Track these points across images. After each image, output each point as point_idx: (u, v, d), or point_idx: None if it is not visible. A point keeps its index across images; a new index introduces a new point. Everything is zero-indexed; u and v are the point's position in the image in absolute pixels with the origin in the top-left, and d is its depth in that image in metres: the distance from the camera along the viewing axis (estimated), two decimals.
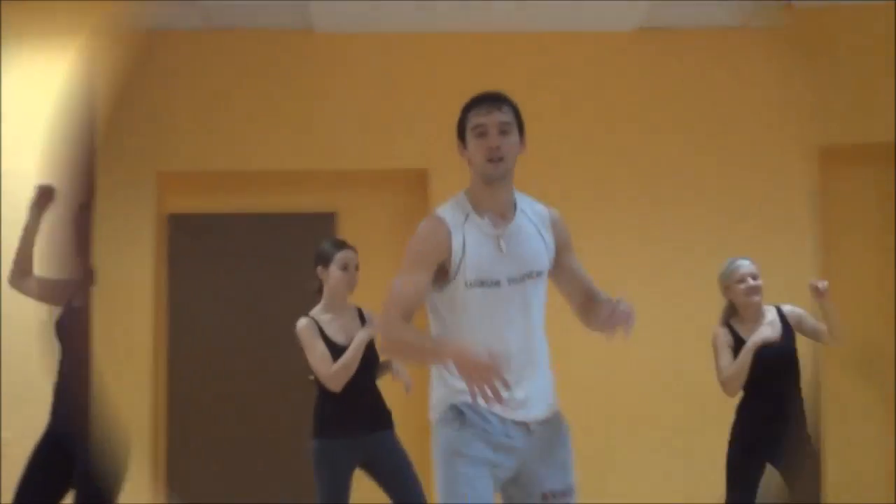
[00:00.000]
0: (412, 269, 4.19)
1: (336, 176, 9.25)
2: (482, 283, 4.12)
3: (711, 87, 9.12)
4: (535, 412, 4.16)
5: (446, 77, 8.96)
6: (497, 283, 4.13)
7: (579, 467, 4.27)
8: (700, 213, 8.94)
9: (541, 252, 4.24)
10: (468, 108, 4.28)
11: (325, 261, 6.56)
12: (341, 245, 6.64)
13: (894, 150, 8.98)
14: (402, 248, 10.02)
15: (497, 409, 4.01)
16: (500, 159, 4.17)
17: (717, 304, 6.88)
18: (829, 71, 9.08)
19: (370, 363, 6.43)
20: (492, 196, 4.23)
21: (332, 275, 6.53)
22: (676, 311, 8.75)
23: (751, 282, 6.77)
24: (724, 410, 6.73)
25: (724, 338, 6.78)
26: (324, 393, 6.35)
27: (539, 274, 4.19)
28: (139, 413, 8.82)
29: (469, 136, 4.24)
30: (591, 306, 4.28)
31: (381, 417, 6.43)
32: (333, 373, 6.28)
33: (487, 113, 4.21)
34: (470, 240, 4.16)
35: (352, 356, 6.29)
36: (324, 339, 6.41)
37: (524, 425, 4.13)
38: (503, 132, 4.20)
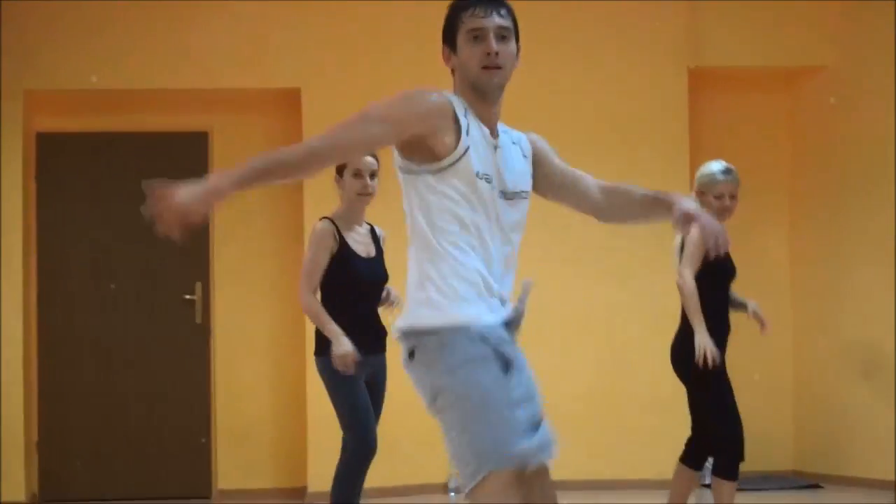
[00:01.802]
0: (387, 114, 3.52)
1: (209, 95, 9.15)
2: (488, 180, 3.62)
3: (588, 5, 9.13)
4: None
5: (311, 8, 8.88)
6: (496, 191, 3.65)
7: None
8: (575, 128, 8.93)
9: (527, 173, 3.80)
10: (461, 8, 3.68)
11: (339, 168, 6.09)
12: None
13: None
14: None
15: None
16: (498, 67, 3.63)
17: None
18: None
19: (380, 284, 6.17)
20: (482, 110, 3.67)
21: (346, 182, 6.07)
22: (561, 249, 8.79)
23: (727, 202, 6.39)
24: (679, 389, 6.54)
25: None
26: (333, 309, 5.95)
27: (527, 195, 3.77)
28: (7, 340, 8.73)
29: (462, 40, 3.65)
30: (622, 200, 3.87)
31: (383, 339, 6.13)
32: (307, 302, 5.94)
33: (485, 15, 3.64)
34: (473, 133, 3.62)
35: (323, 327, 5.90)
36: (344, 248, 6.02)
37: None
38: (502, 37, 3.65)
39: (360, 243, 6.12)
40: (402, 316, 3.64)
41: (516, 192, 3.69)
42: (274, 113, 9.25)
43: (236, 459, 9.19)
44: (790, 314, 9.54)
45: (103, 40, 8.83)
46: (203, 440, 9.21)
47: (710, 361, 6.07)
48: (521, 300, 3.68)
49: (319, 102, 8.84)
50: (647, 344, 8.66)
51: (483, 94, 3.66)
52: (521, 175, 3.74)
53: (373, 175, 6.07)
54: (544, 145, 3.90)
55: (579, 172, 3.93)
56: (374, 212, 6.20)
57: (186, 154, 9.24)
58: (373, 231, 6.24)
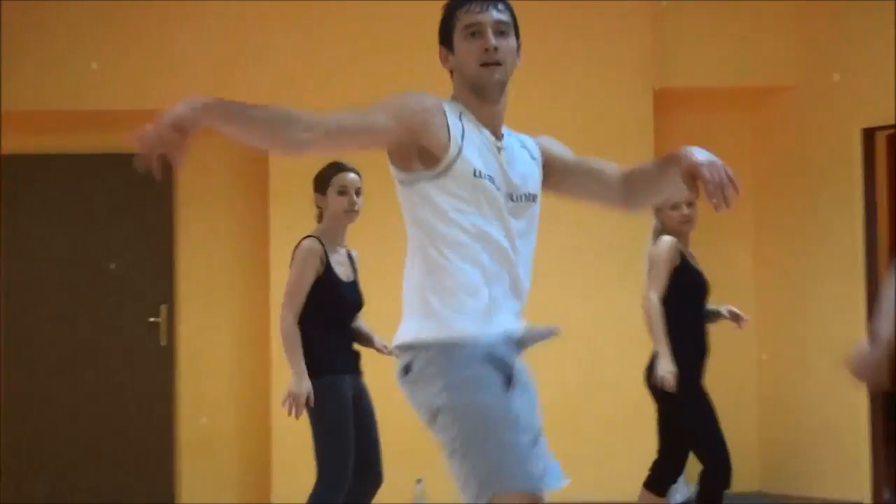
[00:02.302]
0: (374, 107, 3.45)
1: None
2: (492, 181, 3.45)
3: (552, 22, 9.15)
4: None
5: (287, 19, 8.86)
6: (502, 193, 3.48)
7: None
8: None
9: (536, 176, 3.60)
10: (456, 6, 3.52)
11: (321, 185, 5.98)
12: (339, 167, 5.99)
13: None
14: (244, 190, 9.95)
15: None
16: (497, 63, 3.47)
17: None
18: (674, 14, 9.19)
19: (358, 309, 6.05)
20: (483, 111, 3.51)
21: (331, 200, 5.94)
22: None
23: (685, 210, 6.30)
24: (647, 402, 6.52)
25: (671, 254, 6.24)
26: (317, 329, 5.84)
27: (536, 198, 3.56)
28: None
29: (458, 37, 3.50)
30: (642, 178, 3.67)
31: (359, 358, 6.03)
32: (289, 323, 5.79)
33: (481, 10, 3.48)
34: (469, 135, 3.47)
35: (291, 361, 5.77)
36: (329, 271, 5.89)
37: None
38: (501, 33, 3.49)
39: (341, 265, 6.00)
40: (400, 330, 3.48)
41: (524, 195, 3.51)
42: None
43: (201, 480, 9.13)
44: (755, 330, 9.54)
45: (66, 61, 8.79)
46: (167, 462, 9.15)
47: (668, 388, 6.03)
48: (541, 331, 3.51)
49: None
50: (615, 360, 8.65)
51: (483, 93, 3.50)
52: (529, 178, 3.56)
53: (358, 192, 5.96)
54: (554, 144, 3.76)
55: (599, 165, 3.74)
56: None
57: (152, 177, 9.17)
58: (348, 253, 6.10)
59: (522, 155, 3.59)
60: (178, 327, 9.19)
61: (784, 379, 9.42)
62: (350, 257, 6.09)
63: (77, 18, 8.83)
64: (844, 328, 8.81)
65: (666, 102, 9.26)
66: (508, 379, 3.37)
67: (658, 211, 6.33)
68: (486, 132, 3.49)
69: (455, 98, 3.55)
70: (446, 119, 3.43)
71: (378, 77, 8.78)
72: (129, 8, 8.82)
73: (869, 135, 8.77)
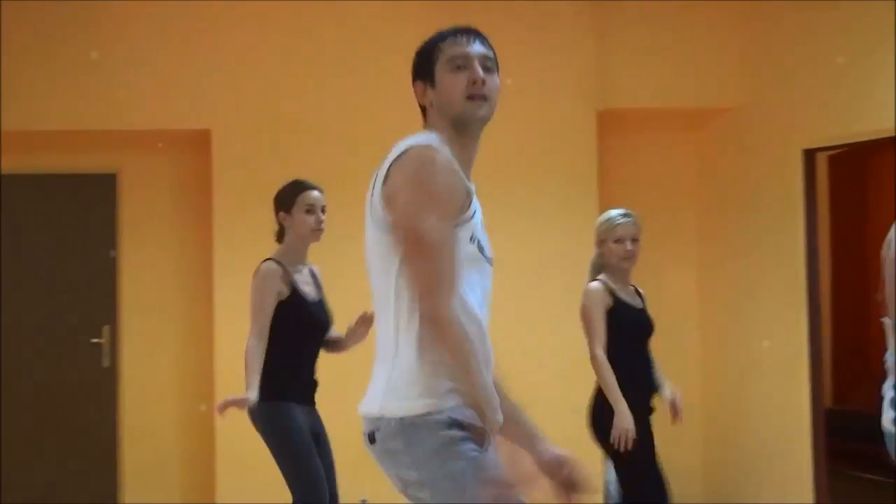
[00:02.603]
0: (441, 214, 3.09)
1: (117, 136, 9.07)
2: (481, 249, 3.26)
3: (495, 44, 9.17)
4: None
5: (230, 37, 8.85)
6: (486, 259, 3.30)
7: None
8: (484, 171, 8.96)
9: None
10: (438, 39, 3.37)
11: (285, 205, 5.90)
12: (303, 185, 5.94)
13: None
14: (187, 210, 9.92)
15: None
16: (484, 98, 3.29)
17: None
18: (617, 36, 9.24)
19: (326, 328, 5.93)
20: (461, 151, 3.29)
21: (297, 219, 5.87)
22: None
23: (629, 246, 6.22)
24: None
25: (601, 297, 6.16)
26: (277, 351, 5.72)
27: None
28: None
29: (441, 70, 3.31)
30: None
31: (315, 390, 5.91)
32: (251, 345, 5.67)
33: (469, 43, 3.34)
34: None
35: (249, 372, 5.62)
36: (295, 291, 5.79)
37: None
38: (487, 69, 3.34)
39: (307, 284, 5.91)
40: (367, 394, 3.26)
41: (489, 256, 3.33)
42: (183, 154, 9.19)
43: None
44: (699, 353, 9.63)
45: (6, 81, 8.73)
46: (111, 486, 9.08)
47: (627, 445, 5.95)
48: None
49: (229, 144, 8.80)
50: (557, 393, 8.66)
51: (465, 129, 3.29)
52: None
53: (323, 210, 5.91)
54: None
55: None
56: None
57: (94, 196, 9.16)
58: (311, 271, 6.02)
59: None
60: (121, 348, 9.14)
61: (727, 395, 9.48)
62: (313, 275, 6.02)
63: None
64: (786, 346, 8.89)
65: (609, 124, 9.32)
66: (482, 436, 3.16)
67: (601, 243, 6.27)
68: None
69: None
70: (466, 182, 3.24)
71: (300, 111, 8.79)
72: (51, 31, 8.78)
73: (810, 155, 8.86)
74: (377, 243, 3.21)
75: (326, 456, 5.84)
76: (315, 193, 5.90)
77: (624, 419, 5.98)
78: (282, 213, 5.92)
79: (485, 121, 3.32)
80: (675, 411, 6.27)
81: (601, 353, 6.04)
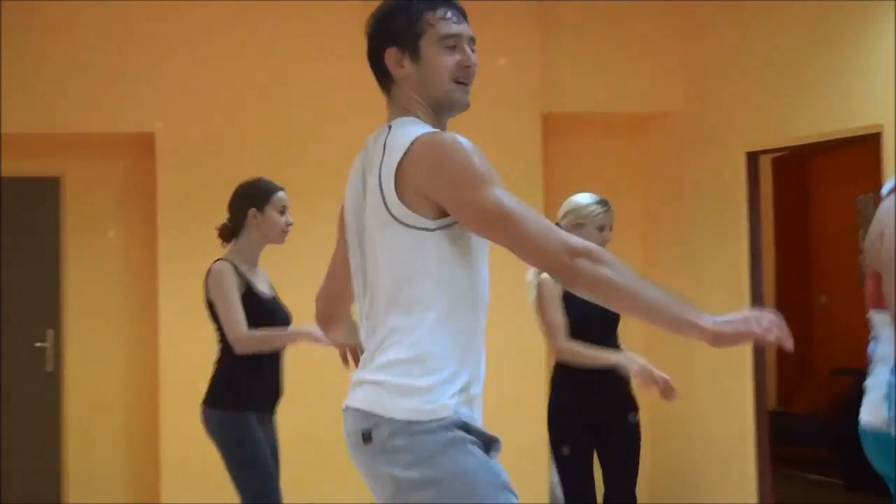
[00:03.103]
0: (500, 184, 3.08)
1: (60, 139, 9.01)
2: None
3: None
4: None
5: (173, 38, 8.81)
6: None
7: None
8: None
9: None
10: (425, 8, 3.15)
11: (260, 200, 5.64)
12: (275, 185, 5.71)
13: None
14: (131, 213, 9.84)
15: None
16: (467, 84, 3.22)
17: None
18: (561, 41, 9.28)
19: (287, 318, 5.71)
20: None
21: (270, 218, 5.63)
22: None
23: (607, 233, 6.08)
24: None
25: (553, 288, 5.89)
26: (236, 358, 5.50)
27: None
28: None
29: (431, 46, 3.13)
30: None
31: (278, 400, 5.71)
32: (247, 337, 5.46)
33: (459, 21, 3.18)
34: None
35: (277, 340, 5.53)
36: (249, 290, 5.57)
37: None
38: (472, 51, 3.22)
39: (263, 283, 5.71)
40: (366, 390, 3.07)
41: None
42: (127, 157, 9.14)
43: None
44: (642, 356, 9.64)
45: None
46: (54, 493, 9.01)
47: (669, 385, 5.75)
48: None
49: (173, 147, 8.76)
50: (502, 394, 8.67)
51: (448, 112, 3.23)
52: None
53: (288, 211, 5.73)
54: None
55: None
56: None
57: (38, 200, 9.10)
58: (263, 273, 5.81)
59: None
60: (64, 352, 9.08)
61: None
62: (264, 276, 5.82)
63: None
64: (730, 349, 8.92)
65: (554, 128, 9.35)
66: (489, 439, 3.07)
67: (577, 227, 5.99)
68: None
69: (404, 114, 3.19)
70: None
71: (244, 114, 8.79)
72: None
73: (753, 158, 8.92)
74: (388, 240, 3.04)
75: (275, 466, 5.65)
76: (283, 194, 5.71)
77: (632, 362, 5.83)
78: (252, 210, 5.64)
79: (465, 108, 3.25)
80: (653, 382, 5.95)
81: (565, 343, 5.83)
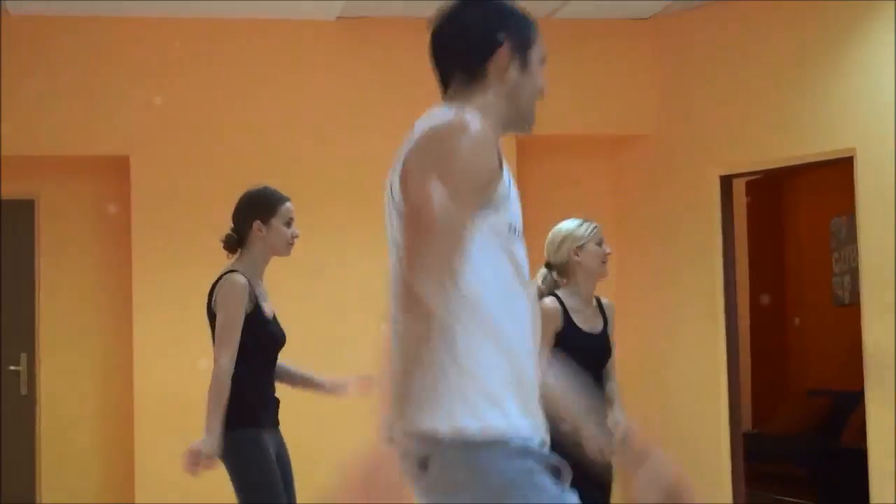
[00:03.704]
0: (459, 198, 2.67)
1: (34, 162, 8.99)
2: (520, 240, 2.91)
3: (413, 76, 9.20)
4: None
5: (148, 62, 8.81)
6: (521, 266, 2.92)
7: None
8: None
9: None
10: (535, 27, 3.02)
11: (265, 212, 5.37)
12: (282, 195, 5.45)
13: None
14: (106, 236, 9.82)
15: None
16: None
17: None
18: None
19: (283, 341, 5.49)
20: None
21: (276, 230, 5.37)
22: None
23: (606, 247, 5.85)
24: None
25: (547, 320, 5.63)
26: (244, 372, 5.23)
27: None
28: None
29: (536, 61, 3.00)
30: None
31: (278, 407, 5.49)
32: (223, 367, 5.17)
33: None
34: (508, 174, 2.91)
35: (213, 407, 5.12)
36: (258, 308, 5.34)
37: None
38: None
39: (266, 301, 5.45)
40: (420, 410, 2.64)
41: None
42: (102, 180, 9.12)
43: None
44: (618, 378, 9.66)
45: None
46: None
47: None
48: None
49: (148, 170, 8.75)
50: None
51: (520, 127, 3.04)
52: None
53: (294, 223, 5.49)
54: None
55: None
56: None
57: (12, 222, 9.07)
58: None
59: None
60: (39, 376, 9.03)
61: (646, 421, 9.52)
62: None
63: None
64: (705, 371, 8.96)
65: (529, 150, 9.36)
66: (556, 469, 2.76)
67: (579, 250, 5.83)
68: None
69: (485, 113, 2.90)
70: (502, 158, 2.87)
71: (219, 138, 8.78)
72: None
73: (726, 182, 8.96)
74: (397, 232, 2.81)
75: (287, 476, 5.43)
76: (290, 205, 5.46)
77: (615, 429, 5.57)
78: (258, 222, 5.38)
79: (528, 132, 3.11)
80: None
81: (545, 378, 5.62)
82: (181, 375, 8.06)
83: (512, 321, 2.75)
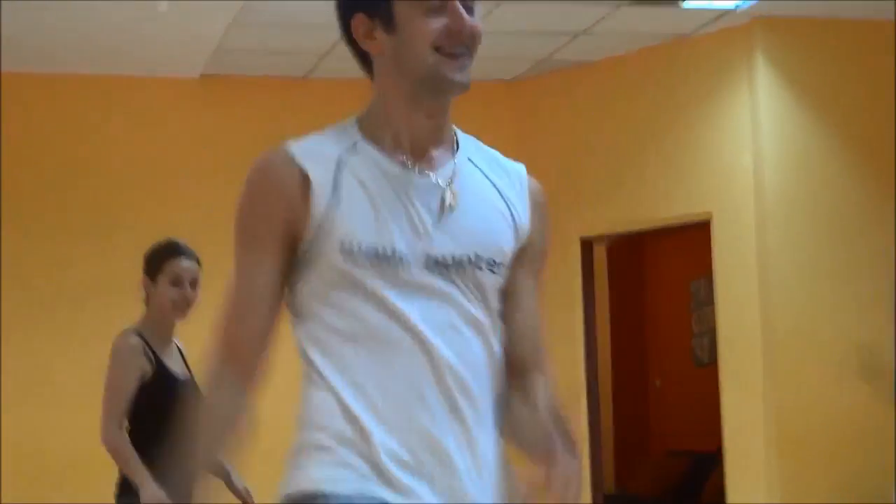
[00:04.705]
0: (244, 255, 2.39)
1: None
2: (377, 256, 2.31)
3: (283, 134, 9.13)
4: None
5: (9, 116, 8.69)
6: (401, 262, 2.33)
7: None
8: None
9: (501, 229, 2.49)
10: None
11: (151, 270, 4.96)
12: (175, 249, 5.00)
13: None
14: None
15: None
16: (468, 55, 2.43)
17: None
18: None
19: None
20: (414, 121, 2.45)
21: (161, 289, 4.93)
22: None
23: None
24: None
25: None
26: (138, 444, 4.79)
27: (495, 264, 2.44)
28: None
29: (407, 11, 2.36)
30: (518, 399, 2.63)
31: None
32: (112, 434, 4.80)
33: None
34: (351, 181, 2.35)
35: (127, 464, 4.75)
36: (159, 365, 4.91)
37: None
38: (468, 9, 2.40)
39: (176, 362, 5.03)
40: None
41: (456, 260, 2.39)
42: None
43: None
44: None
45: None
46: None
47: None
48: None
49: (17, 217, 8.59)
50: None
51: (435, 95, 2.45)
52: (475, 228, 2.44)
53: (193, 284, 4.97)
54: (541, 219, 2.65)
55: (531, 314, 2.69)
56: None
57: None
58: (178, 347, 5.12)
59: (482, 190, 2.55)
60: None
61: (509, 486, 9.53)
62: (180, 351, 5.12)
63: None
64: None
65: None
66: None
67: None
68: (396, 154, 2.43)
69: (372, 105, 2.48)
70: (311, 187, 2.35)
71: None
72: None
73: (587, 244, 9.02)
74: None
75: None
76: (185, 263, 4.96)
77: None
78: (146, 278, 4.99)
79: (465, 89, 2.48)
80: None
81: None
82: (51, 432, 7.96)
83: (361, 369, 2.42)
